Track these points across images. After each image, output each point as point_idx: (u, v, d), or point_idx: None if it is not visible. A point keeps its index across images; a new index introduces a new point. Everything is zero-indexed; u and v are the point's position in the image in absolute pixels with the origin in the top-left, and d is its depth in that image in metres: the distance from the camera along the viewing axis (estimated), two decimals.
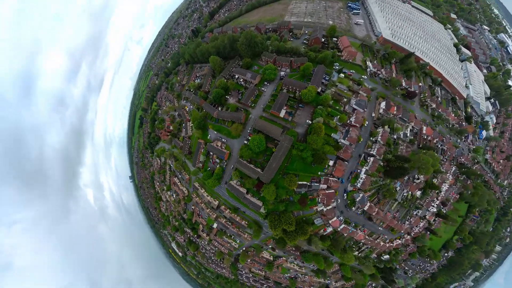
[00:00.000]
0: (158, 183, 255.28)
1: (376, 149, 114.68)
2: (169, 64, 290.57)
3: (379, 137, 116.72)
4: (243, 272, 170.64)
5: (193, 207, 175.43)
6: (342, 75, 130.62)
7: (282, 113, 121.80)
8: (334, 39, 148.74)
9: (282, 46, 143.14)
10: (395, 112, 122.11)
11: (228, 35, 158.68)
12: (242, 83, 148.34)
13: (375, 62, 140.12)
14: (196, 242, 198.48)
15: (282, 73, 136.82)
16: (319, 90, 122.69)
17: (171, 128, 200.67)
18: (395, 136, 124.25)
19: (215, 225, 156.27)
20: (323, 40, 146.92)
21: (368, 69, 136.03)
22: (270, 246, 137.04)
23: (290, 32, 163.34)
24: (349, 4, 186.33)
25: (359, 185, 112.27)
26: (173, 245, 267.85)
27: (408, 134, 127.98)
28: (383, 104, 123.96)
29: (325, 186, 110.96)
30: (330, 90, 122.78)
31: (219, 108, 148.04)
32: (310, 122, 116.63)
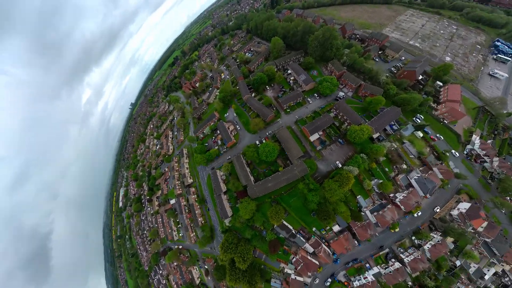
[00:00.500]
0: (151, 126, 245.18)
1: (412, 257, 75.85)
2: (230, 23, 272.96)
3: (428, 246, 76.65)
4: (160, 272, 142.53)
5: (166, 169, 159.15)
6: (420, 133, 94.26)
7: (314, 137, 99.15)
8: (438, 82, 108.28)
9: (360, 63, 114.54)
10: (480, 230, 74.77)
11: (305, 22, 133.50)
12: (290, 81, 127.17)
13: (488, 141, 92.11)
14: (143, 204, 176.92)
15: (341, 93, 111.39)
16: (375, 135, 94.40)
17: (197, 84, 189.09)
18: (458, 262, 75.67)
19: (172, 201, 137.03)
20: (420, 77, 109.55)
21: (469, 147, 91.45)
22: (206, 267, 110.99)
23: (380, 50, 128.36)
24: (497, 43, 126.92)
25: (356, 283, 76.78)
26: (121, 190, 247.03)
27: (486, 277, 72.06)
28: (463, 206, 78.87)
29: (311, 250, 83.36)
30: (389, 144, 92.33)
31: (253, 94, 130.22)
32: (340, 165, 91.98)
